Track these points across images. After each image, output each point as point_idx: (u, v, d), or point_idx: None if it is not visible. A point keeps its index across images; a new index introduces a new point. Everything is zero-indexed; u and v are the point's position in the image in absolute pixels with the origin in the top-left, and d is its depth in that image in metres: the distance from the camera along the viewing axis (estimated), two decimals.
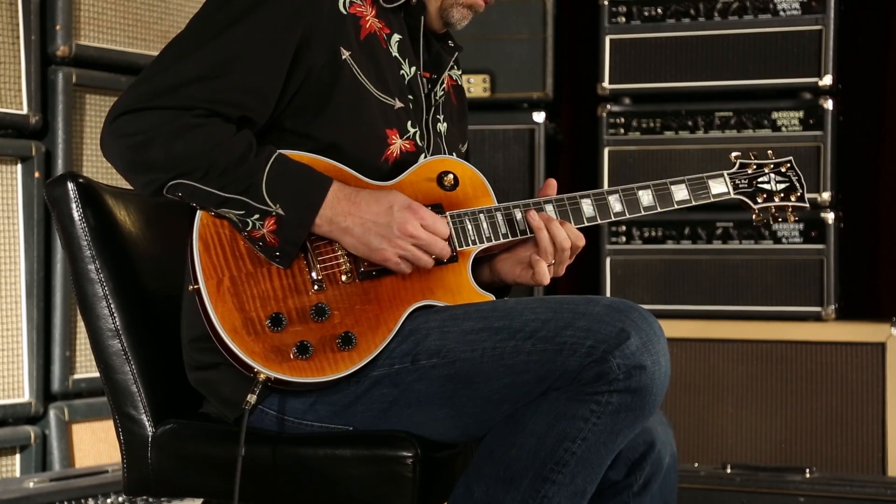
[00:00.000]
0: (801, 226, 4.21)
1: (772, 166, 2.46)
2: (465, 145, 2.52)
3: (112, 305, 2.31)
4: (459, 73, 2.53)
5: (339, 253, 2.19)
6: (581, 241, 2.31)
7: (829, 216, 4.19)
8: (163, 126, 2.11)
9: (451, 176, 2.28)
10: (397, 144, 2.28)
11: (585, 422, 2.08)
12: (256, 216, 2.13)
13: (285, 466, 2.20)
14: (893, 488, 3.68)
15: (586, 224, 2.33)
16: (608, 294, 4.35)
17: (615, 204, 2.35)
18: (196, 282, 2.15)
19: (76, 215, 2.32)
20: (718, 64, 4.29)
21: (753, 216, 2.46)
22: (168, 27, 4.03)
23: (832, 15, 4.18)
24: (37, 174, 3.70)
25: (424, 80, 2.37)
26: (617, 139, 4.40)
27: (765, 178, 2.45)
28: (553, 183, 2.36)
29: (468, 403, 2.14)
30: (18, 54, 3.68)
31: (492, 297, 2.26)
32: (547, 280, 2.30)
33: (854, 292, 4.38)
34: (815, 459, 4.08)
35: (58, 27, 3.74)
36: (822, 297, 4.18)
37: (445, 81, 2.43)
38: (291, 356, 2.13)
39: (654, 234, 4.35)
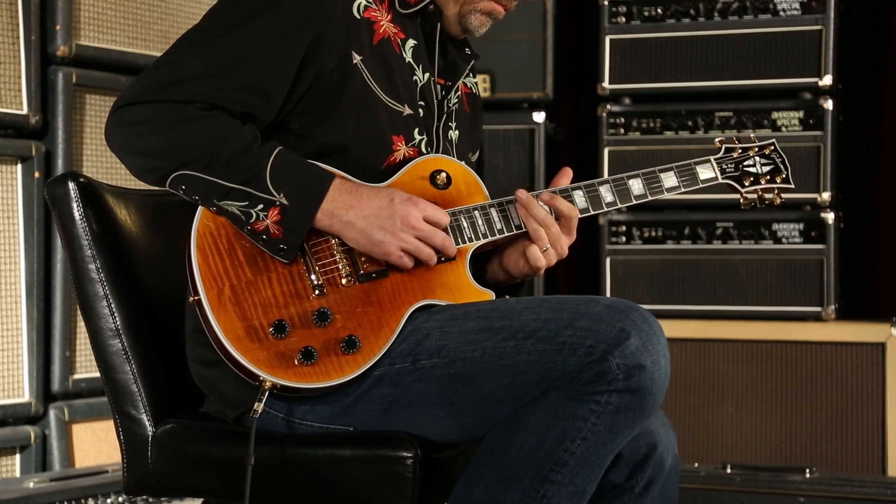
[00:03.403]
0: (801, 226, 4.21)
1: (756, 149, 2.47)
2: (476, 154, 2.50)
3: (112, 305, 2.31)
4: (475, 80, 2.52)
5: (338, 256, 2.19)
6: (574, 212, 2.29)
7: (829, 216, 4.19)
8: (165, 117, 2.12)
9: (443, 174, 2.28)
10: (401, 151, 2.28)
11: (585, 422, 2.08)
12: (260, 206, 2.13)
13: (286, 467, 2.20)
14: (893, 488, 3.68)
15: (580, 216, 2.33)
16: (608, 294, 4.35)
17: (606, 194, 2.34)
18: (196, 293, 2.14)
19: (77, 215, 2.32)
20: (718, 64, 4.29)
21: (741, 200, 2.47)
22: (168, 27, 4.03)
23: (832, 15, 4.18)
24: (37, 174, 3.70)
25: (438, 86, 2.36)
26: (617, 139, 4.40)
27: (750, 162, 2.46)
28: (568, 172, 2.35)
29: (468, 403, 2.14)
30: (18, 54, 3.68)
31: (491, 294, 2.26)
32: (542, 263, 2.28)
33: (854, 292, 4.37)
34: (815, 459, 4.08)
35: (58, 27, 3.74)
36: (822, 297, 4.18)
37: (460, 89, 2.42)
38: (296, 362, 2.12)
39: (654, 234, 4.35)
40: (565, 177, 2.34)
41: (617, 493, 2.27)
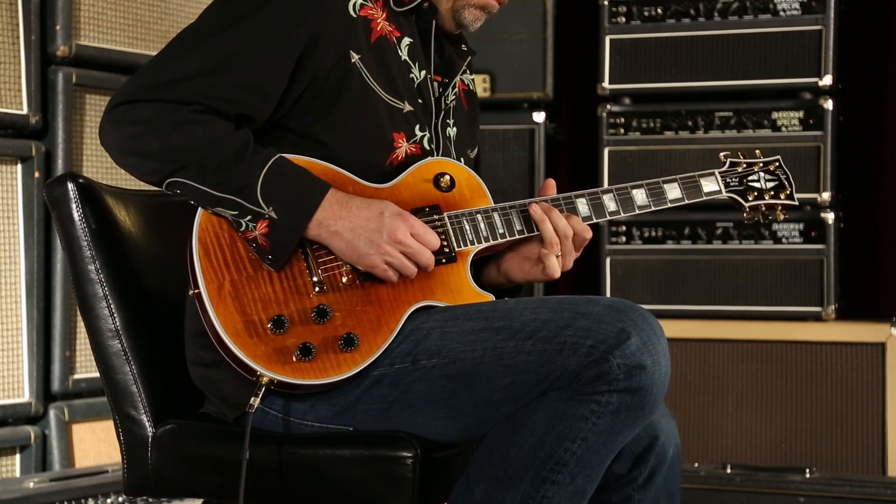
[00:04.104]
0: (801, 226, 4.21)
1: (761, 165, 2.47)
2: (475, 151, 2.50)
3: (112, 305, 2.31)
4: (472, 77, 2.52)
5: None
6: (588, 233, 2.31)
7: (829, 216, 4.19)
8: (160, 118, 2.12)
9: (447, 177, 2.28)
10: (403, 148, 2.28)
11: (585, 422, 2.08)
12: (249, 217, 2.13)
13: (285, 467, 2.20)
14: (893, 488, 3.68)
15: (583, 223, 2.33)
16: (608, 294, 4.35)
17: (609, 203, 2.35)
18: (196, 286, 2.14)
19: (76, 215, 2.32)
20: (718, 64, 4.29)
21: (744, 214, 2.47)
22: (168, 27, 4.03)
23: (832, 15, 4.18)
24: (37, 174, 3.70)
25: (435, 83, 2.36)
26: (617, 139, 4.40)
27: (754, 177, 2.46)
28: (552, 183, 2.36)
29: (468, 403, 2.14)
30: (18, 54, 3.68)
31: (491, 298, 2.26)
32: (558, 272, 2.29)
33: (854, 292, 4.38)
34: (815, 459, 4.08)
35: (58, 27, 3.74)
36: (822, 297, 4.18)
37: (457, 86, 2.42)
38: (294, 358, 2.12)
39: (654, 234, 4.35)
40: (551, 188, 2.35)
41: (620, 484, 2.27)
